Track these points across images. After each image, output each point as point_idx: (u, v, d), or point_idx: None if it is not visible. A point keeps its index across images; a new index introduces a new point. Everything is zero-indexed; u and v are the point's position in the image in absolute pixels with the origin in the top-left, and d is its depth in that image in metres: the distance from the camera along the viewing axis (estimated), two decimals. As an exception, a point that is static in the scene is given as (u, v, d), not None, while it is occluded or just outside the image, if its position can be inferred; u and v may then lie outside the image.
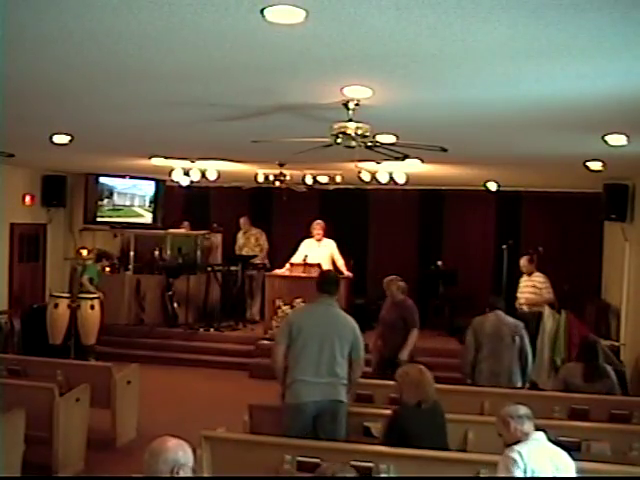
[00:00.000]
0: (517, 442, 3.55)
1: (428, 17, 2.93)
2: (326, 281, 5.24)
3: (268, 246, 11.76)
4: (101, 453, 6.13)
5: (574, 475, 3.57)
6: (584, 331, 7.82)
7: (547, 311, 8.46)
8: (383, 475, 4.13)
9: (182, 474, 2.89)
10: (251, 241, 11.70)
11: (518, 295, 9.12)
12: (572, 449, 3.79)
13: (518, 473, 3.42)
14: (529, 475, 3.43)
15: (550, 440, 3.65)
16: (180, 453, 2.91)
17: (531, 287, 9.01)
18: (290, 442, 4.43)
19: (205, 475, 4.39)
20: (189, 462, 2.93)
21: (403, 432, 4.29)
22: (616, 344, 8.93)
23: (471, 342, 6.43)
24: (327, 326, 5.04)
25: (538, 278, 8.97)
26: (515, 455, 3.46)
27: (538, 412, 5.14)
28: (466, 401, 5.57)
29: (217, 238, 12.37)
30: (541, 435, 3.60)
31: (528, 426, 3.59)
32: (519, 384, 6.33)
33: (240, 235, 11.83)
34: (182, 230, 12.06)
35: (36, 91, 4.80)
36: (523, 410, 3.65)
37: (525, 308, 8.90)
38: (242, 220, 11.84)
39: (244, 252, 11.60)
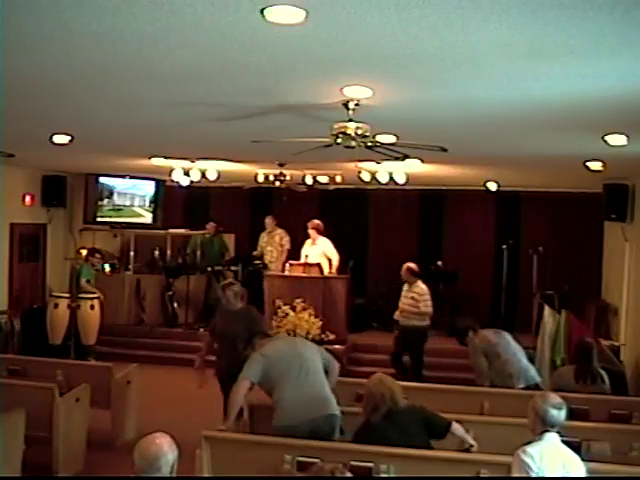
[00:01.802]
0: (531, 441, 3.53)
1: (428, 17, 2.93)
2: None
3: (290, 248, 11.23)
4: (101, 453, 6.12)
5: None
6: (584, 331, 7.81)
7: (547, 311, 8.45)
8: (383, 475, 4.13)
9: (175, 467, 3.04)
10: (275, 240, 11.29)
11: (399, 305, 8.75)
12: (573, 449, 3.78)
13: (533, 475, 3.41)
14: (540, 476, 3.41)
15: (563, 442, 3.62)
16: (172, 448, 3.05)
17: (410, 298, 8.52)
18: (290, 442, 4.42)
19: (205, 475, 4.40)
20: (177, 453, 3.08)
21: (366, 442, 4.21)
22: (616, 344, 8.92)
23: (483, 361, 6.26)
24: (297, 347, 5.04)
25: (417, 289, 8.48)
26: (527, 458, 3.43)
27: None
28: (466, 401, 5.57)
29: (231, 238, 12.39)
30: (554, 436, 3.55)
31: (548, 427, 3.54)
32: (539, 379, 6.37)
33: (264, 234, 11.47)
34: (207, 231, 11.97)
35: (36, 91, 4.80)
36: (550, 415, 3.54)
37: (403, 320, 8.57)
38: (268, 219, 11.43)
39: (267, 251, 11.27)
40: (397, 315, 8.71)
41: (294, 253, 10.66)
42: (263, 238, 11.41)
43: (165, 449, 3.02)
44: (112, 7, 2.94)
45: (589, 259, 11.28)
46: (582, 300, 10.16)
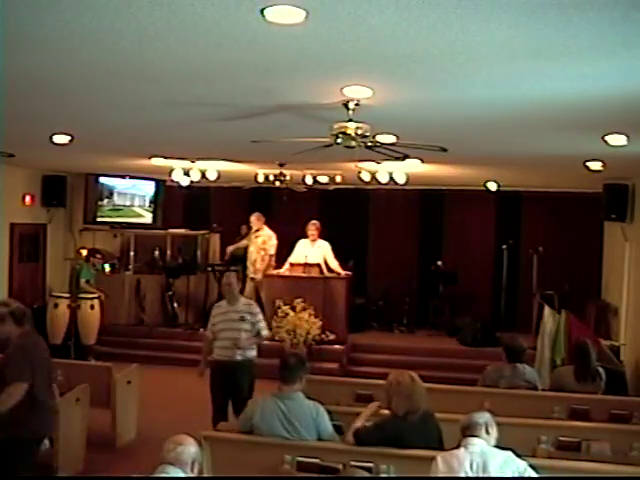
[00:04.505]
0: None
1: (428, 17, 2.93)
2: (286, 369, 4.42)
3: (274, 254, 10.36)
4: (101, 453, 6.12)
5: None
6: (584, 331, 7.81)
7: (547, 311, 8.45)
8: (383, 475, 4.13)
9: (196, 470, 3.18)
10: (257, 242, 10.40)
11: (220, 334, 6.15)
12: (572, 449, 3.78)
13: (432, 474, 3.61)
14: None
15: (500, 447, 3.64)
16: (198, 450, 3.22)
17: (239, 320, 6.11)
18: (290, 442, 4.41)
19: (205, 475, 4.39)
20: (200, 461, 3.27)
21: (387, 443, 4.13)
22: (616, 344, 8.92)
23: (480, 382, 5.95)
24: (285, 430, 4.36)
25: (247, 307, 6.28)
26: (433, 462, 3.61)
27: (538, 412, 5.18)
28: (466, 401, 5.56)
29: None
30: (469, 441, 3.61)
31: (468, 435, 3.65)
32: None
33: (251, 233, 10.63)
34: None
35: (36, 91, 4.80)
36: (469, 423, 3.67)
37: (239, 353, 6.07)
38: (253, 217, 10.48)
39: (249, 252, 10.52)
40: (222, 350, 6.13)
41: (281, 256, 10.35)
42: (249, 237, 10.69)
43: (187, 441, 3.19)
44: (112, 7, 2.95)
45: (589, 259, 11.28)
46: (582, 300, 10.17)
